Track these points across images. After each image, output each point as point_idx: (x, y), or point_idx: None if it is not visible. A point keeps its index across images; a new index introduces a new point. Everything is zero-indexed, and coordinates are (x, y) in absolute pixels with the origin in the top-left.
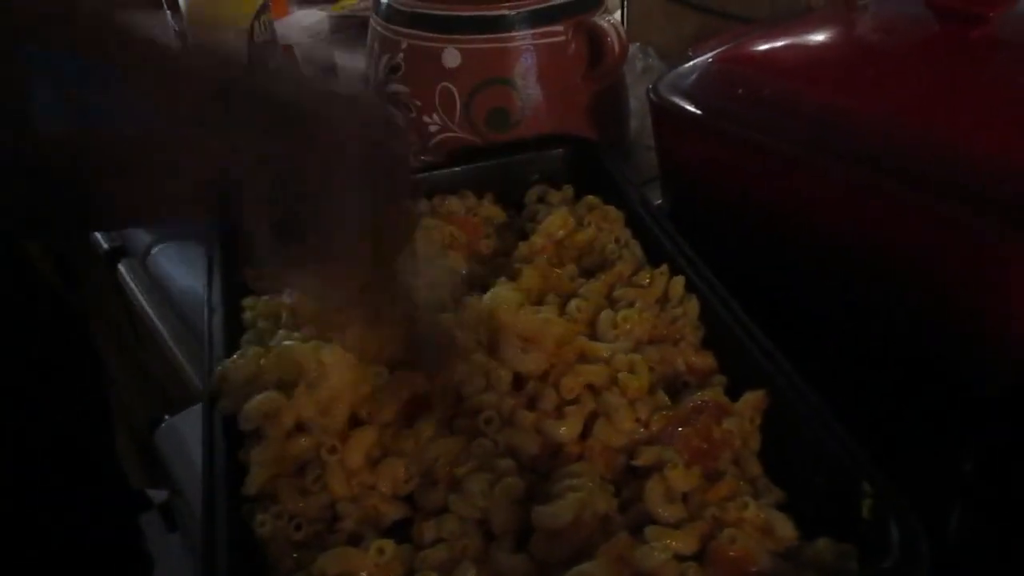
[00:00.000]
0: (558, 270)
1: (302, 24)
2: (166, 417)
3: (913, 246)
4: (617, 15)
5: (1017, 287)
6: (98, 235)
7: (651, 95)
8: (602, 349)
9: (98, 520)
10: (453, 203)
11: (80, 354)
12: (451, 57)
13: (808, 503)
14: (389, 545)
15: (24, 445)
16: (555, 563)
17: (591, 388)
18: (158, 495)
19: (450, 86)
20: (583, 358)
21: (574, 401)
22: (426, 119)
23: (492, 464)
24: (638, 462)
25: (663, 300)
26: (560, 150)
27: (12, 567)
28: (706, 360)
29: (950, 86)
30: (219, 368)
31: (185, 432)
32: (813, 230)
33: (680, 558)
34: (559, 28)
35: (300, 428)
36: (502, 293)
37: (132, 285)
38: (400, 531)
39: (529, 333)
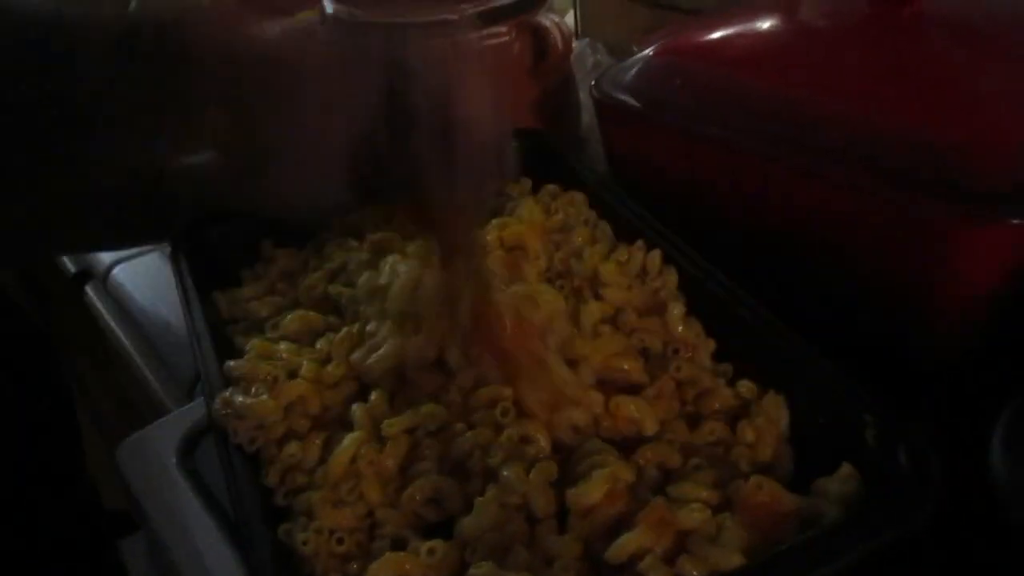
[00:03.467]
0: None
1: None
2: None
3: (852, 227)
4: (571, 13)
5: (952, 264)
6: (65, 258)
7: (593, 91)
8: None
9: (66, 542)
10: None
11: (45, 375)
12: None
13: (817, 446)
14: (439, 544)
15: None
16: (596, 539)
17: None
18: None
19: None
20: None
21: None
22: None
23: (521, 451)
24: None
25: (642, 274)
26: (515, 143)
27: None
28: (693, 327)
29: (884, 66)
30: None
31: (144, 448)
32: (754, 217)
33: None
34: (503, 29)
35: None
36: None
37: (97, 305)
38: (437, 531)
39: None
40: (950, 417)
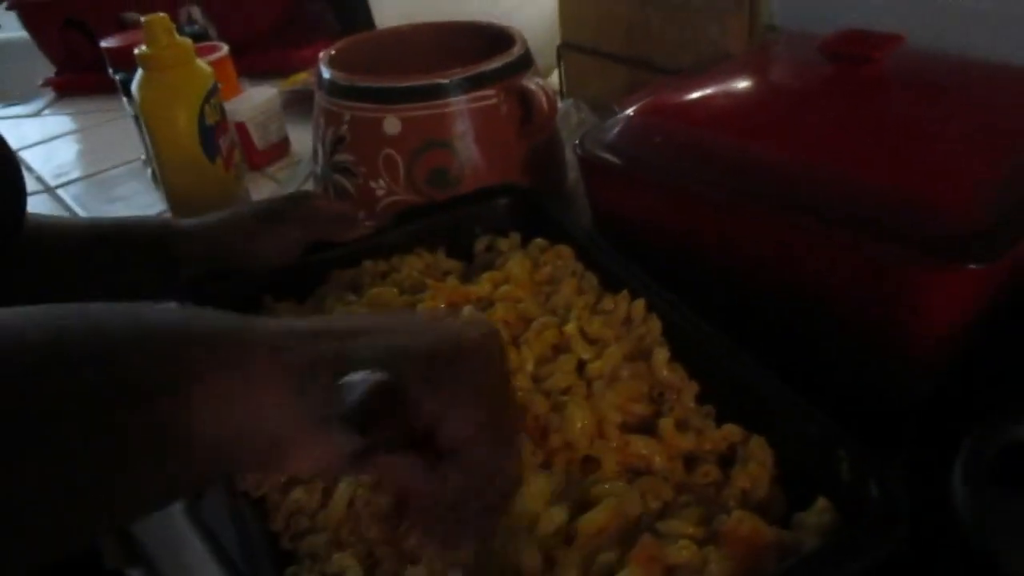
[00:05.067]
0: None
1: (254, 101)
2: None
3: (824, 273)
4: (555, 73)
5: (913, 307)
6: None
7: (577, 150)
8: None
9: None
10: (413, 261)
11: None
12: (392, 125)
13: (795, 480)
14: None
15: None
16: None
17: None
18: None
19: (392, 152)
20: None
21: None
22: (372, 184)
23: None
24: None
25: (628, 322)
26: (503, 200)
27: None
28: (678, 371)
29: (849, 122)
30: None
31: None
32: (731, 265)
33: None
34: (491, 92)
35: None
36: None
37: None
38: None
39: None
40: (918, 450)
